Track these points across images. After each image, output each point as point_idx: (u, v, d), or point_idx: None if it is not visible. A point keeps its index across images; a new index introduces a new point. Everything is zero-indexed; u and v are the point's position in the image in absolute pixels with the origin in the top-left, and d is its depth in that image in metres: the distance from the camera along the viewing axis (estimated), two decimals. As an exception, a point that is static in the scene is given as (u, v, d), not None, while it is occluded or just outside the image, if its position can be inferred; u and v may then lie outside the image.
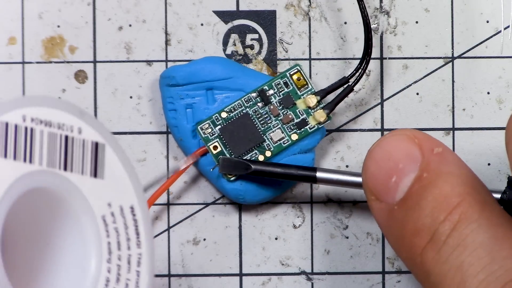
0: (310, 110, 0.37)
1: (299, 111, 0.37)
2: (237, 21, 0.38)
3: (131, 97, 0.38)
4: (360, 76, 0.36)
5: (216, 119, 0.37)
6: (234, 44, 0.38)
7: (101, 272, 0.30)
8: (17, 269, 0.30)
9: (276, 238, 0.38)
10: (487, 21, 0.38)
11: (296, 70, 0.37)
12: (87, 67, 0.38)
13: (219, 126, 0.37)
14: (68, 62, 0.38)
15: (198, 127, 0.36)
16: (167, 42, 0.38)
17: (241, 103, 0.37)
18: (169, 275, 0.38)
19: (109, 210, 0.30)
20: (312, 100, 0.37)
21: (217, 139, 0.37)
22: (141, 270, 0.31)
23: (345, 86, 0.36)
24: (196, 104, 0.37)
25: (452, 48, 0.38)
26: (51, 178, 0.29)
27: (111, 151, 0.30)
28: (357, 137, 0.38)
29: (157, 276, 0.38)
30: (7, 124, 0.28)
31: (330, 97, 0.37)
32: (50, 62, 0.38)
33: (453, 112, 0.38)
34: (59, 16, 0.38)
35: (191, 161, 0.36)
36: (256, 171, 0.35)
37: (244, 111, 0.37)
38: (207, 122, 0.37)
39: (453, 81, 0.38)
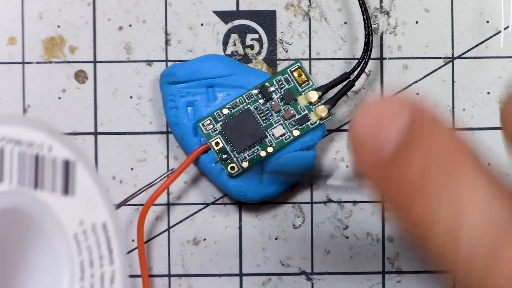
0: (311, 106, 0.37)
1: (300, 107, 0.37)
2: (237, 21, 0.38)
3: (131, 97, 0.38)
4: (362, 71, 0.36)
5: (218, 115, 0.37)
6: (234, 44, 0.38)
7: None
8: None
9: (276, 238, 0.38)
10: (487, 21, 0.38)
11: (297, 66, 0.37)
12: (87, 67, 0.38)
13: (221, 123, 0.37)
14: (68, 62, 0.38)
15: (200, 123, 0.36)
16: (167, 42, 0.38)
17: (242, 99, 0.37)
18: (169, 275, 0.38)
19: (81, 228, 0.30)
20: (314, 95, 0.37)
21: (219, 135, 0.37)
22: (115, 287, 0.31)
23: (346, 81, 0.36)
24: (197, 101, 0.37)
25: (452, 48, 0.38)
26: (21, 198, 0.29)
27: (82, 168, 0.30)
28: (357, 137, 0.38)
29: (157, 276, 0.38)
30: None
31: (332, 93, 0.37)
32: (50, 62, 0.38)
33: (453, 112, 0.38)
34: (59, 16, 0.38)
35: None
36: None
37: (245, 107, 0.37)
38: (208, 118, 0.37)
39: (453, 81, 0.38)
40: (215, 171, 0.37)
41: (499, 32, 0.38)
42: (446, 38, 0.38)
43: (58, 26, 0.38)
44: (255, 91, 0.37)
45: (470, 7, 0.38)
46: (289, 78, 0.37)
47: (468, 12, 0.38)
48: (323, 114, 0.36)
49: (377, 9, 0.38)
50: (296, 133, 0.37)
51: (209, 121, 0.37)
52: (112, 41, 0.38)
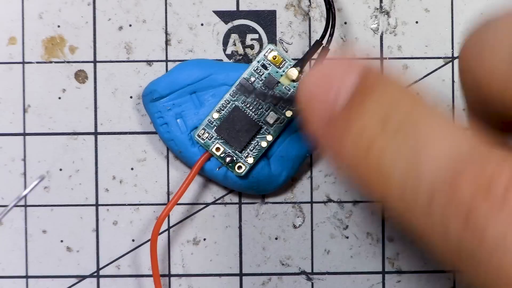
0: (295, 83, 0.37)
1: (285, 87, 0.37)
2: (237, 21, 0.38)
3: (131, 97, 0.38)
4: (332, 34, 0.36)
5: (210, 121, 0.37)
6: (234, 44, 0.38)
7: None
8: None
9: (276, 238, 0.38)
10: (487, 21, 0.38)
11: (270, 49, 0.37)
12: (87, 67, 0.38)
13: (215, 128, 0.37)
14: (68, 62, 0.38)
15: (195, 134, 0.37)
16: (167, 42, 0.38)
17: (228, 99, 0.37)
18: (169, 275, 0.38)
19: None
20: (294, 72, 0.37)
21: (217, 141, 0.37)
22: None
23: (320, 49, 0.36)
24: (184, 111, 0.37)
25: (452, 48, 0.38)
26: None
27: None
28: (357, 137, 0.38)
29: (157, 276, 0.38)
30: None
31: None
32: (50, 62, 0.38)
33: (453, 112, 0.38)
34: (59, 16, 0.38)
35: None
36: (275, 97, 0.35)
37: (233, 105, 0.37)
38: (202, 128, 0.37)
39: (453, 81, 0.38)
40: (222, 174, 0.37)
41: (499, 32, 0.38)
42: (446, 38, 0.38)
43: (58, 26, 0.38)
44: (238, 87, 0.37)
45: (470, 7, 0.38)
46: (266, 64, 0.37)
47: (468, 12, 0.38)
48: None
49: (377, 9, 0.38)
50: (289, 113, 0.37)
51: (203, 130, 0.37)
52: (112, 41, 0.38)
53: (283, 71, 0.37)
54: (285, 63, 0.37)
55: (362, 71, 0.29)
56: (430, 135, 0.27)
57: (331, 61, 0.30)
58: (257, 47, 0.38)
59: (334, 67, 0.30)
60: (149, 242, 0.37)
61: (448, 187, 0.26)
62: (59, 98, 0.38)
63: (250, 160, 0.37)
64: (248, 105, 0.37)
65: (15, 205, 0.37)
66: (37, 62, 0.38)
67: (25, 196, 0.37)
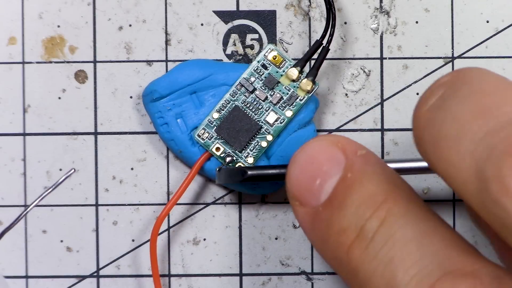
0: (295, 83, 0.37)
1: (285, 87, 0.37)
2: (237, 21, 0.38)
3: (131, 97, 0.38)
4: (332, 34, 0.36)
5: (210, 121, 0.37)
6: (234, 44, 0.38)
7: None
8: None
9: (276, 238, 0.38)
10: (487, 21, 0.38)
11: (270, 49, 0.37)
12: (87, 67, 0.38)
13: (215, 128, 0.37)
14: (68, 62, 0.38)
15: (195, 134, 0.37)
16: (167, 42, 0.38)
17: (228, 99, 0.37)
18: (169, 275, 0.38)
19: None
20: (294, 72, 0.37)
21: (217, 140, 0.37)
22: None
23: (320, 49, 0.36)
24: (184, 111, 0.37)
25: (452, 48, 0.38)
26: None
27: None
28: (357, 137, 0.38)
29: (157, 276, 0.38)
30: None
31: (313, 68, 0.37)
32: (50, 62, 0.38)
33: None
34: (59, 16, 0.38)
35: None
36: (252, 177, 0.35)
37: (233, 105, 0.37)
38: (202, 128, 0.37)
39: (453, 81, 0.38)
40: (222, 175, 0.37)
41: (499, 32, 0.38)
42: (446, 38, 0.38)
43: (58, 26, 0.38)
44: (238, 86, 0.37)
45: (470, 7, 0.38)
46: (266, 63, 0.37)
47: (468, 12, 0.38)
48: (309, 87, 0.36)
49: (377, 9, 0.38)
50: (289, 113, 0.37)
51: (203, 130, 0.37)
52: (112, 41, 0.38)
53: (283, 71, 0.37)
54: (285, 63, 0.37)
55: (345, 164, 0.30)
56: (404, 248, 0.28)
57: (319, 143, 0.31)
58: (257, 47, 0.38)
59: (321, 153, 0.30)
60: (149, 242, 0.37)
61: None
62: (59, 98, 0.38)
63: (250, 160, 0.37)
64: (248, 105, 0.37)
65: (37, 203, 0.37)
66: (37, 62, 0.38)
67: (50, 192, 0.37)
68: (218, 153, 0.37)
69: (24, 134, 0.38)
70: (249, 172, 0.35)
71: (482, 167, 0.26)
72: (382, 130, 0.38)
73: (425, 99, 0.29)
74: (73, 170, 0.36)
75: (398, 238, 0.28)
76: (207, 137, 0.37)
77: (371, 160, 0.30)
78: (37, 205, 0.38)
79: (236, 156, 0.37)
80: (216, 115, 0.37)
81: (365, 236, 0.29)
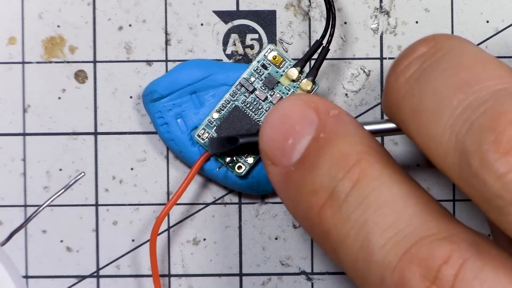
0: (295, 83, 0.37)
1: (285, 87, 0.37)
2: (237, 21, 0.38)
3: (131, 97, 0.38)
4: (332, 34, 0.36)
5: (210, 122, 0.37)
6: (234, 44, 0.38)
7: None
8: None
9: (276, 238, 0.38)
10: (487, 21, 0.38)
11: (270, 49, 0.37)
12: (87, 67, 0.38)
13: (215, 128, 0.37)
14: (68, 62, 0.38)
15: (195, 134, 0.37)
16: (167, 42, 0.38)
17: (228, 99, 0.37)
18: (169, 275, 0.38)
19: None
20: (294, 73, 0.37)
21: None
22: None
23: (320, 49, 0.36)
24: (185, 111, 0.37)
25: (452, 48, 0.38)
26: None
27: (1, 266, 0.30)
28: (357, 137, 0.38)
29: (157, 276, 0.38)
30: None
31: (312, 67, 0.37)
32: (50, 62, 0.38)
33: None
34: (59, 16, 0.38)
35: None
36: (244, 144, 0.35)
37: (233, 105, 0.37)
38: (202, 128, 0.37)
39: (453, 81, 0.38)
40: (222, 174, 0.37)
41: (499, 32, 0.38)
42: (446, 38, 0.38)
43: (58, 26, 0.38)
44: (238, 86, 0.37)
45: (470, 7, 0.38)
46: (266, 63, 0.37)
47: (468, 12, 0.38)
48: (309, 87, 0.36)
49: (377, 9, 0.38)
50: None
51: (203, 130, 0.37)
52: (112, 41, 0.38)
53: (283, 71, 0.37)
54: (285, 63, 0.37)
55: (318, 124, 0.30)
56: (378, 211, 0.28)
57: (292, 103, 0.30)
58: (257, 47, 0.38)
59: (294, 112, 0.30)
60: (149, 242, 0.37)
61: (396, 278, 0.26)
62: (59, 98, 0.38)
63: (250, 160, 0.37)
64: (248, 105, 0.37)
65: (49, 204, 0.37)
66: (37, 62, 0.38)
67: (61, 194, 0.36)
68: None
69: (24, 134, 0.38)
70: (241, 140, 0.35)
71: (462, 141, 0.26)
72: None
73: (403, 69, 0.29)
74: (83, 174, 0.36)
75: (372, 200, 0.28)
76: (207, 137, 0.37)
77: (344, 120, 0.30)
78: (37, 205, 0.38)
79: (236, 156, 0.37)
80: (216, 115, 0.37)
81: (337, 197, 0.28)
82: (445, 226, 0.27)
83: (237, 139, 0.35)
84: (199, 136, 0.37)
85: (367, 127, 0.32)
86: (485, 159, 0.25)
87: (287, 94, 0.37)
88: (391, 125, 0.32)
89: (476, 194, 0.26)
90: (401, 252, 0.26)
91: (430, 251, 0.26)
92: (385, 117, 0.32)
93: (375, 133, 0.32)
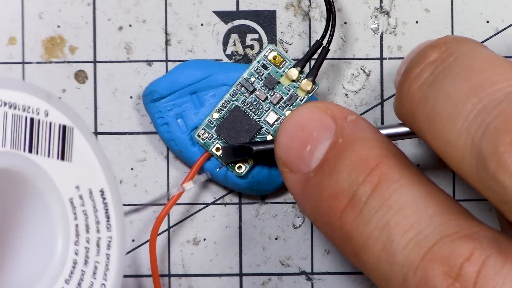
0: (295, 83, 0.37)
1: (285, 87, 0.37)
2: (237, 21, 0.38)
3: (131, 97, 0.38)
4: (332, 34, 0.36)
5: (210, 121, 0.37)
6: (234, 44, 0.38)
7: (68, 254, 0.30)
8: None
9: (276, 238, 0.38)
10: (487, 21, 0.38)
11: (270, 49, 0.37)
12: (87, 67, 0.38)
13: (215, 128, 0.37)
14: (68, 62, 0.38)
15: (196, 134, 0.37)
16: (167, 42, 0.38)
17: (228, 99, 0.37)
18: (169, 275, 0.38)
19: (77, 193, 0.30)
20: (294, 73, 0.37)
21: (217, 141, 0.37)
22: (111, 253, 0.31)
23: (320, 49, 0.36)
24: (185, 111, 0.37)
25: (452, 48, 0.38)
26: (15, 160, 0.29)
27: (80, 134, 0.30)
28: (357, 137, 0.38)
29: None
30: None
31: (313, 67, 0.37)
32: (50, 62, 0.38)
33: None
34: (59, 16, 0.38)
35: (182, 190, 0.36)
36: (258, 152, 0.35)
37: (233, 105, 0.37)
38: (202, 128, 0.37)
39: (453, 81, 0.38)
40: (222, 174, 0.37)
41: (499, 32, 0.38)
42: (446, 38, 0.38)
43: (58, 26, 0.38)
44: (238, 87, 0.37)
45: (470, 7, 0.38)
46: (266, 64, 0.37)
47: (468, 12, 0.38)
48: (309, 88, 0.37)
49: (377, 9, 0.38)
50: (288, 113, 0.37)
51: (203, 130, 0.37)
52: (112, 41, 0.38)
53: (283, 71, 0.37)
54: (285, 63, 0.37)
55: (336, 130, 0.30)
56: (399, 213, 0.28)
57: (308, 110, 0.31)
58: (257, 47, 0.38)
59: (311, 119, 0.30)
60: (149, 242, 0.37)
61: (419, 278, 0.27)
62: (59, 98, 0.38)
63: (250, 160, 0.37)
64: (248, 105, 0.37)
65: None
66: (37, 62, 0.38)
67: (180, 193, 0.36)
68: (218, 153, 0.37)
69: (24, 134, 0.38)
70: (255, 148, 0.35)
71: (478, 144, 0.26)
72: (382, 130, 0.38)
73: (416, 76, 0.29)
74: (208, 176, 0.36)
75: (393, 202, 0.28)
76: (207, 137, 0.37)
77: (361, 125, 0.30)
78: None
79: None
80: (216, 115, 0.37)
81: (358, 200, 0.28)
82: (466, 224, 0.27)
83: (251, 148, 0.35)
84: (199, 136, 0.37)
85: (382, 131, 0.32)
86: (502, 161, 0.25)
87: (287, 94, 0.37)
88: (405, 129, 0.32)
89: (494, 196, 0.26)
90: (423, 252, 0.27)
91: (452, 249, 0.26)
92: (399, 121, 0.32)
93: (390, 137, 0.32)
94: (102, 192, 0.31)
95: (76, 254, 0.30)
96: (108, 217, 0.31)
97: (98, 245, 0.31)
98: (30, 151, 0.29)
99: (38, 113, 0.30)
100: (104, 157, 0.31)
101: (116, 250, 0.31)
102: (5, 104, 0.29)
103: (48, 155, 0.30)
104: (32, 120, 0.29)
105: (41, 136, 0.30)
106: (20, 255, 0.31)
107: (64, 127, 0.30)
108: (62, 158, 0.30)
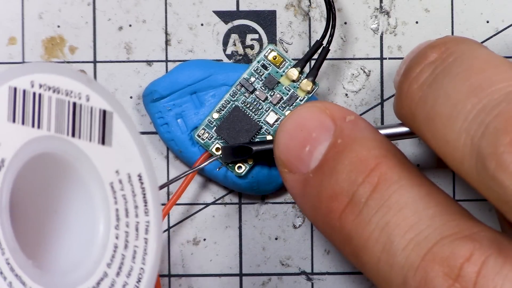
0: (295, 83, 0.37)
1: (285, 88, 0.37)
2: (237, 21, 0.38)
3: (131, 97, 0.38)
4: (332, 34, 0.36)
5: (210, 122, 0.37)
6: (234, 44, 0.38)
7: (109, 238, 0.30)
8: (26, 235, 0.30)
9: (276, 238, 0.38)
10: (487, 21, 0.38)
11: (270, 49, 0.37)
12: (87, 67, 0.38)
13: (215, 128, 0.37)
14: (68, 62, 0.38)
15: (195, 134, 0.37)
16: (167, 42, 0.38)
17: (228, 99, 0.37)
18: (169, 275, 0.38)
19: (117, 178, 0.31)
20: (294, 73, 0.37)
21: (217, 141, 0.37)
22: (149, 237, 0.31)
23: (320, 49, 0.36)
24: (185, 111, 0.37)
25: (452, 48, 0.38)
26: (59, 144, 0.29)
27: (119, 119, 0.31)
28: (357, 137, 0.38)
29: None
30: (15, 89, 0.28)
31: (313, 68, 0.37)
32: (50, 62, 0.38)
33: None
34: (59, 16, 0.38)
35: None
36: (258, 152, 0.35)
37: (233, 105, 0.37)
38: (202, 128, 0.37)
39: (453, 81, 0.38)
40: (222, 174, 0.37)
41: (499, 32, 0.38)
42: (446, 38, 0.38)
43: (58, 26, 0.38)
44: (238, 87, 0.37)
45: (470, 7, 0.38)
46: (266, 64, 0.37)
47: (468, 12, 0.38)
48: (309, 88, 0.37)
49: (377, 9, 0.38)
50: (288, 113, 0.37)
51: (203, 130, 0.37)
52: (112, 41, 0.38)
53: (283, 71, 0.37)
54: (285, 63, 0.37)
55: (335, 130, 0.30)
56: (399, 213, 0.28)
57: (307, 110, 0.31)
58: (257, 47, 0.38)
59: (310, 119, 0.30)
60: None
61: (419, 278, 0.27)
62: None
63: (250, 160, 0.37)
64: (248, 106, 0.37)
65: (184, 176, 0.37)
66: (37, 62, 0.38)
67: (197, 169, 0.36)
68: (218, 153, 0.37)
69: (24, 134, 0.38)
70: (254, 148, 0.35)
71: (478, 144, 0.26)
72: (382, 130, 0.38)
73: (415, 76, 0.29)
74: (218, 157, 0.36)
75: (393, 203, 0.28)
76: (207, 137, 0.37)
77: (360, 125, 0.30)
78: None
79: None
80: (216, 115, 0.37)
81: (358, 201, 0.28)
82: (466, 225, 0.27)
83: (251, 148, 0.35)
84: (199, 136, 0.37)
85: (382, 131, 0.32)
86: (501, 161, 0.25)
87: (287, 94, 0.37)
88: (405, 129, 0.32)
89: (494, 196, 0.26)
90: (423, 252, 0.27)
91: (452, 250, 0.26)
92: (399, 121, 0.32)
93: (389, 137, 0.32)
94: (140, 177, 0.31)
95: (117, 238, 0.31)
96: (145, 202, 0.31)
97: (137, 230, 0.31)
98: (74, 135, 0.30)
99: (80, 98, 0.30)
100: (141, 142, 0.32)
101: (154, 235, 0.31)
102: (49, 88, 0.29)
103: (90, 140, 0.30)
104: (74, 104, 0.30)
105: (83, 121, 0.30)
106: (63, 239, 0.31)
107: (104, 111, 0.31)
108: (103, 143, 0.31)
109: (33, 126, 0.29)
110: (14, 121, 0.28)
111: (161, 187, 0.36)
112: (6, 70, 0.29)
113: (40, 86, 0.29)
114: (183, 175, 0.36)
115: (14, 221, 0.28)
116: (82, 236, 0.31)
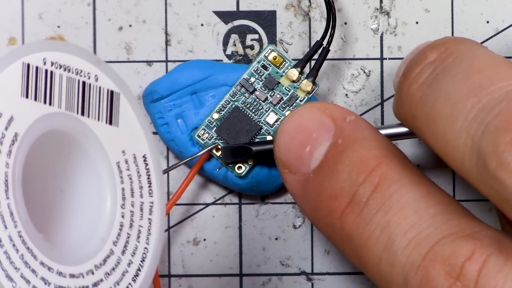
0: (295, 83, 0.37)
1: (285, 88, 0.37)
2: (237, 22, 0.38)
3: (131, 97, 0.38)
4: (332, 34, 0.36)
5: (210, 122, 0.37)
6: (234, 45, 0.38)
7: (115, 217, 0.31)
8: (36, 210, 0.30)
9: (276, 238, 0.38)
10: (487, 21, 0.38)
11: (270, 50, 0.37)
12: (87, 67, 0.38)
13: (215, 128, 0.37)
14: (68, 62, 0.38)
15: (195, 135, 0.37)
16: (167, 43, 0.38)
17: (228, 99, 0.37)
18: (169, 275, 0.38)
19: (123, 157, 0.31)
20: (294, 73, 0.37)
21: (217, 141, 0.37)
22: (153, 218, 0.32)
23: (320, 49, 0.36)
24: (185, 112, 0.37)
25: (452, 49, 0.38)
26: (69, 121, 0.30)
27: (126, 101, 0.31)
28: (357, 137, 0.38)
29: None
30: (28, 66, 0.29)
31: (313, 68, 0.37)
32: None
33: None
34: (59, 16, 0.38)
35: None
36: (257, 152, 0.35)
37: (233, 106, 0.37)
38: (202, 128, 0.37)
39: (453, 82, 0.38)
40: (222, 175, 0.37)
41: (499, 32, 0.38)
42: (446, 39, 0.38)
43: (58, 26, 0.38)
44: (238, 87, 0.37)
45: (470, 7, 0.38)
46: (266, 64, 0.37)
47: (468, 12, 0.38)
48: (309, 88, 0.37)
49: (377, 9, 0.38)
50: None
51: (203, 131, 0.37)
52: (112, 41, 0.38)
53: (283, 72, 0.37)
54: (285, 63, 0.37)
55: (335, 130, 0.30)
56: (400, 213, 0.28)
57: (307, 111, 0.31)
58: (257, 47, 0.38)
59: (310, 120, 0.30)
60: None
61: (420, 277, 0.27)
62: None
63: (250, 160, 0.37)
64: (248, 106, 0.37)
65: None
66: (37, 62, 0.38)
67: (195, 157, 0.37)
68: (218, 154, 0.37)
69: (24, 134, 0.38)
70: (254, 149, 0.35)
71: (478, 143, 0.26)
72: (382, 130, 0.38)
73: (415, 77, 0.29)
74: (217, 144, 0.36)
75: (393, 202, 0.28)
76: (207, 138, 0.37)
77: (361, 125, 0.30)
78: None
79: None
80: (216, 116, 0.37)
81: (359, 201, 0.29)
82: (467, 224, 0.27)
83: (251, 148, 0.35)
84: (199, 136, 0.37)
85: (382, 132, 0.32)
86: (502, 160, 0.25)
87: (287, 94, 0.37)
88: (405, 129, 0.32)
89: (494, 195, 0.26)
90: (424, 251, 0.27)
91: (453, 249, 0.26)
92: (398, 121, 0.32)
93: (390, 137, 0.32)
94: (144, 158, 0.32)
95: (123, 217, 0.31)
96: (150, 183, 0.32)
97: (141, 210, 0.31)
98: (83, 113, 0.30)
99: (89, 77, 0.30)
100: (147, 124, 0.32)
101: (157, 216, 0.32)
102: (61, 66, 0.29)
103: (98, 119, 0.31)
104: (84, 83, 0.30)
105: (92, 100, 0.30)
106: (71, 215, 0.32)
107: (112, 92, 0.31)
108: (110, 123, 0.31)
109: (44, 102, 0.29)
110: (27, 96, 0.28)
111: (164, 172, 0.36)
112: (20, 47, 0.29)
113: (52, 63, 0.29)
114: (184, 161, 0.36)
115: (25, 196, 0.29)
116: (89, 213, 0.31)
